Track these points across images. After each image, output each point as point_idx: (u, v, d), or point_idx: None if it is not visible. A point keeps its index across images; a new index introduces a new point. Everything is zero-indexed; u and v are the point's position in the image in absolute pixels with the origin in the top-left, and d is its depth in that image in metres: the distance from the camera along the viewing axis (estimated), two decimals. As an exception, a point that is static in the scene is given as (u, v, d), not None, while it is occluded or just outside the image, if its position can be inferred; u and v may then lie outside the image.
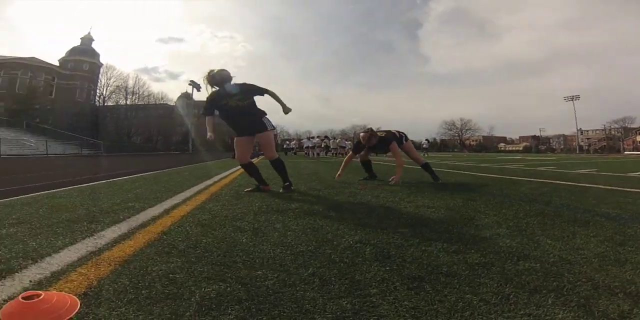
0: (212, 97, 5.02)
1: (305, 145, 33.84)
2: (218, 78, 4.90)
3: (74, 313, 1.24)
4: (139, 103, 71.34)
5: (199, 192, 5.06)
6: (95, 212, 3.33)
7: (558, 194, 4.92)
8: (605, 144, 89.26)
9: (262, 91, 5.04)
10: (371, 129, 6.29)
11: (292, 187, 5.14)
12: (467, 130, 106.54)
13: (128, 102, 69.68)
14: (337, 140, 35.12)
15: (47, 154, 31.66)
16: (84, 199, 4.32)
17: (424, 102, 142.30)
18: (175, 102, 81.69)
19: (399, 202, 3.97)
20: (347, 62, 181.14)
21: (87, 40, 72.04)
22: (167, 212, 3.38)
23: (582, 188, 5.82)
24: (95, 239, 2.36)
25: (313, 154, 30.00)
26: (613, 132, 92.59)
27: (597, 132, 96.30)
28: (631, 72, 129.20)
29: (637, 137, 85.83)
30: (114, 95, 69.42)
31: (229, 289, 1.50)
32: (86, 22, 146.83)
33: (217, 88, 4.97)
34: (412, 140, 7.49)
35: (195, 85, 56.36)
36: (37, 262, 1.88)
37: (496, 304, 1.33)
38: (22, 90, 57.34)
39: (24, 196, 4.57)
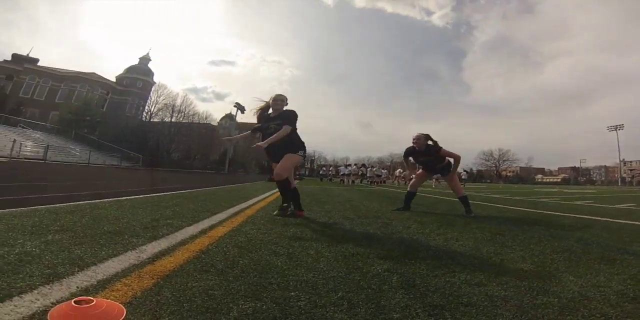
0: (260, 121, 5.45)
1: (341, 173, 34.09)
2: (277, 102, 5.28)
3: (123, 317, 1.38)
4: (183, 121, 73.25)
5: (235, 214, 5.23)
6: (135, 226, 3.53)
7: (590, 230, 4.86)
8: None
9: (288, 123, 5.09)
10: (426, 136, 6.50)
11: (289, 210, 5.24)
12: (504, 160, 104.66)
13: (173, 120, 71.53)
14: (374, 169, 35.27)
15: (88, 163, 32.92)
16: (124, 212, 4.56)
17: (464, 131, 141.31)
18: (218, 123, 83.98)
19: (428, 234, 4.04)
20: (389, 89, 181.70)
21: (145, 60, 76.09)
22: (204, 232, 3.54)
23: (618, 224, 5.72)
24: (137, 252, 2.52)
25: (349, 181, 30.16)
26: None
27: None
28: None
29: None
30: (160, 113, 71.62)
31: (264, 307, 1.63)
32: (146, 43, 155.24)
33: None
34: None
35: (240, 107, 57.76)
36: (82, 269, 2.05)
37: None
38: (78, 101, 60.50)
39: (68, 204, 4.88)
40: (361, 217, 5.64)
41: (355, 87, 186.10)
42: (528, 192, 20.99)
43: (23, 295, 1.58)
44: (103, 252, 2.43)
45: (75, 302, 1.42)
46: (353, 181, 30.77)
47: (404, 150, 6.93)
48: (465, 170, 45.21)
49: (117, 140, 53.26)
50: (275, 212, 5.21)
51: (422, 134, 6.48)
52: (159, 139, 67.03)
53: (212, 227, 3.83)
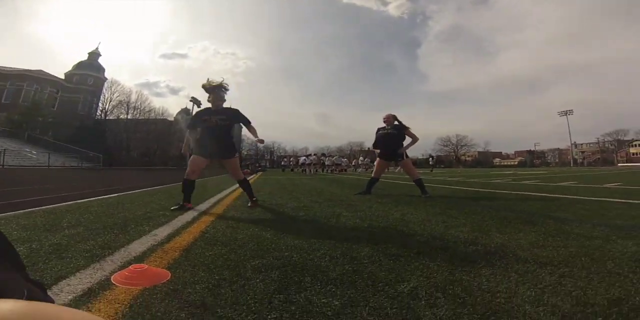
0: (198, 113, 5.53)
1: (302, 162, 34.63)
2: (215, 90, 5.30)
3: (170, 277, 1.96)
4: (140, 118, 71.99)
5: (215, 203, 5.84)
6: (135, 218, 4.04)
7: (526, 203, 5.79)
8: (599, 156, 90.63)
9: (247, 121, 5.41)
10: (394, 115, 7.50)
11: (258, 202, 5.61)
12: (462, 146, 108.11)
13: (129, 117, 70.20)
14: (334, 158, 36.22)
15: (48, 166, 32.19)
16: (116, 208, 5.01)
17: (421, 119, 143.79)
18: (174, 118, 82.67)
19: (387, 211, 4.76)
20: (346, 81, 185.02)
21: (94, 55, 73.75)
22: (197, 218, 4.12)
23: (551, 198, 6.61)
24: (151, 236, 3.07)
25: (310, 170, 30.72)
26: (607, 145, 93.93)
27: (591, 145, 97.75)
28: (623, 85, 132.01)
29: (630, 149, 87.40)
30: (115, 110, 70.33)
31: (270, 261, 2.27)
32: (94, 37, 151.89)
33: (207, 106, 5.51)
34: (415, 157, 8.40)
35: (196, 101, 56.96)
36: (116, 251, 2.58)
37: (441, 265, 2.09)
38: (26, 101, 58.36)
39: (59, 205, 5.30)
40: (327, 200, 6.32)
41: (311, 80, 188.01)
42: (484, 174, 22.20)
43: (81, 271, 2.07)
44: (123, 238, 2.96)
45: (134, 268, 1.99)
46: (315, 170, 31.45)
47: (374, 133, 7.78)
48: (431, 156, 47.44)
49: (73, 141, 51.95)
50: (249, 204, 5.50)
51: (391, 113, 7.47)
52: (115, 137, 65.79)
53: (201, 215, 4.41)
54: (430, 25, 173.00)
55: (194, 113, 5.44)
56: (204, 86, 5.28)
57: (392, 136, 7.39)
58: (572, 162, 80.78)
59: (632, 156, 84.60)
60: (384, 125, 7.54)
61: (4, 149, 31.24)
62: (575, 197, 6.69)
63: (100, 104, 71.31)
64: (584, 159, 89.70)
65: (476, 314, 1.45)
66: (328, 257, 2.36)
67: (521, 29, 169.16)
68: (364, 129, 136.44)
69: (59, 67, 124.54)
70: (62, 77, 68.90)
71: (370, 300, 1.60)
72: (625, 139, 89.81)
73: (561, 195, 6.99)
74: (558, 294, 1.64)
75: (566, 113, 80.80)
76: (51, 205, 5.16)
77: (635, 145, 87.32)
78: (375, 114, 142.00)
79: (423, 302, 1.57)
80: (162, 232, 3.24)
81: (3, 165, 27.21)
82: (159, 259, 2.34)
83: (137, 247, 2.70)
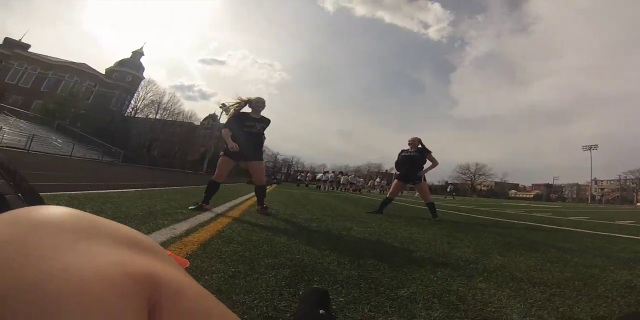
0: (241, 117, 5.74)
1: (318, 178, 35.35)
2: (259, 104, 5.79)
3: (188, 265, 2.12)
4: (167, 119, 73.13)
5: (231, 208, 6.04)
6: (155, 213, 4.24)
7: (533, 232, 5.89)
8: (618, 194, 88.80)
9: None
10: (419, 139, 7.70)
11: (268, 210, 5.76)
12: (480, 175, 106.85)
13: (157, 117, 71.25)
14: (350, 177, 36.16)
15: (70, 155, 32.77)
16: (135, 202, 5.22)
17: (444, 144, 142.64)
18: (200, 123, 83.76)
19: (396, 229, 4.90)
20: (375, 98, 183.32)
21: (138, 54, 75.49)
22: (214, 219, 4.32)
23: (559, 230, 6.70)
24: (170, 229, 3.26)
25: (325, 187, 31.03)
26: (628, 183, 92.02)
27: (612, 182, 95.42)
28: None
29: None
30: (146, 109, 71.11)
31: (282, 261, 2.45)
32: (142, 36, 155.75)
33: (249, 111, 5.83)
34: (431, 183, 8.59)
35: (225, 109, 57.47)
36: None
37: (441, 277, 2.24)
38: (64, 92, 59.58)
39: (81, 192, 5.55)
40: (339, 215, 6.48)
41: (341, 95, 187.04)
42: (497, 205, 22.10)
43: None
44: (143, 228, 3.15)
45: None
46: (331, 188, 31.70)
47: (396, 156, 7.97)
48: (450, 183, 47.60)
49: (99, 134, 52.67)
50: (258, 208, 5.82)
51: (416, 137, 7.66)
52: (140, 135, 66.79)
53: (218, 216, 4.61)
54: (467, 51, 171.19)
55: (235, 115, 5.66)
56: (258, 101, 5.78)
57: (415, 159, 7.58)
58: (590, 199, 79.30)
59: None
60: (407, 148, 7.74)
61: (33, 135, 31.86)
62: (583, 230, 6.75)
63: (132, 102, 72.40)
64: (602, 196, 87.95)
65: (467, 319, 1.60)
66: (336, 262, 2.52)
67: (555, 58, 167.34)
68: (384, 151, 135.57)
69: (103, 61, 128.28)
70: (103, 71, 70.53)
71: (371, 300, 1.77)
72: None
73: (570, 228, 7.04)
74: (545, 309, 1.79)
75: (590, 148, 79.59)
76: (74, 192, 5.41)
77: None
78: (399, 137, 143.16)
79: (420, 305, 1.74)
80: (181, 227, 3.43)
81: (28, 150, 27.84)
82: (177, 250, 2.52)
83: (157, 237, 2.89)
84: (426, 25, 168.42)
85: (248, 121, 5.67)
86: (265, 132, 5.90)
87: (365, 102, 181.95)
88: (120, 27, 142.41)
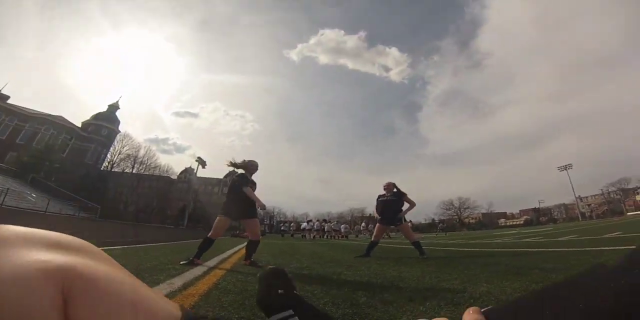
0: (247, 178, 6.26)
1: (302, 227, 36.21)
2: (253, 167, 6.44)
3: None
4: (144, 173, 73.23)
5: (221, 262, 6.20)
6: (148, 269, 4.39)
7: (521, 258, 6.23)
8: (606, 208, 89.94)
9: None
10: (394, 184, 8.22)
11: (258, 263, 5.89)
12: (465, 208, 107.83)
13: (134, 171, 71.22)
14: (332, 224, 36.98)
15: (45, 211, 32.03)
16: (124, 259, 5.33)
17: (423, 183, 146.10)
18: (177, 176, 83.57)
19: (385, 270, 5.13)
20: (349, 144, 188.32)
21: (113, 108, 77.27)
22: (207, 272, 4.48)
23: (546, 252, 7.09)
24: (167, 284, 3.42)
25: (310, 236, 31.65)
26: (612, 195, 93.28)
27: (596, 197, 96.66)
28: (617, 134, 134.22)
29: (636, 197, 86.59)
30: (122, 163, 71.34)
31: None
32: (118, 89, 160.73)
33: (243, 172, 6.36)
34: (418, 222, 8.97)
35: (201, 162, 57.56)
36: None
37: (429, 307, 2.48)
38: (39, 144, 59.69)
39: None
40: (328, 262, 6.66)
41: (315, 144, 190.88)
42: (487, 236, 22.48)
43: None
44: (142, 285, 3.30)
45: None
46: (314, 236, 32.06)
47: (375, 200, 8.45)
48: (440, 221, 48.51)
49: (75, 189, 52.33)
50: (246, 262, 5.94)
51: (391, 182, 8.19)
52: (117, 190, 66.14)
53: (210, 270, 4.77)
54: (429, 90, 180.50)
55: (245, 175, 6.31)
56: (255, 166, 6.49)
57: (392, 202, 8.04)
58: (579, 217, 79.91)
59: (639, 204, 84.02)
60: (384, 192, 8.23)
61: (7, 189, 31.36)
62: (570, 249, 7.08)
63: (109, 155, 72.67)
64: (591, 211, 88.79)
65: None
66: (331, 303, 2.72)
67: (512, 88, 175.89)
68: (364, 195, 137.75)
69: (79, 114, 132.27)
70: (79, 125, 71.27)
71: (366, 332, 1.98)
72: (629, 187, 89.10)
73: (557, 249, 7.36)
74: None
75: (565, 167, 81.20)
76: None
77: None
78: (376, 180, 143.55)
79: (410, 333, 1.95)
80: (178, 281, 3.59)
81: (1, 205, 27.27)
82: (179, 301, 2.69)
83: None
84: (387, 69, 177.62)
85: (250, 182, 6.21)
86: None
87: (339, 149, 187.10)
88: (97, 80, 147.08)
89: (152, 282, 3.44)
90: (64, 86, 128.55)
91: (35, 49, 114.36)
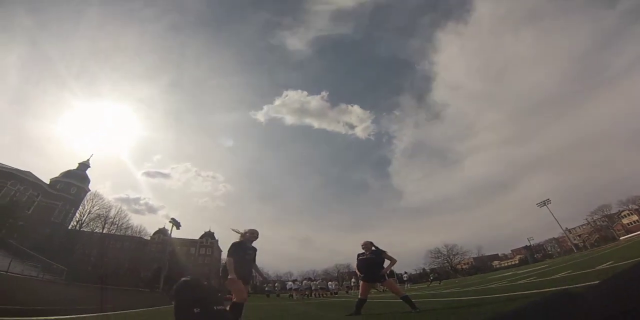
0: (241, 246, 6.49)
1: (289, 287, 35.99)
2: (255, 236, 6.78)
3: None
4: (116, 233, 71.79)
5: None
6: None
7: (514, 302, 6.26)
8: (597, 235, 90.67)
9: (254, 260, 6.75)
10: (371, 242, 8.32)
11: None
12: (455, 255, 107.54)
13: (104, 231, 69.45)
14: (318, 282, 36.61)
15: (7, 272, 30.54)
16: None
17: (405, 235, 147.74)
18: (151, 237, 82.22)
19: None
20: (322, 201, 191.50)
21: (84, 166, 76.88)
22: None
23: (539, 293, 7.11)
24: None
25: (297, 295, 31.37)
26: (598, 223, 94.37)
27: (584, 227, 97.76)
28: (581, 164, 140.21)
29: (623, 220, 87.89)
30: (92, 223, 69.07)
31: None
32: (89, 147, 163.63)
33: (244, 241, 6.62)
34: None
35: (175, 223, 56.87)
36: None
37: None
38: (4, 200, 57.19)
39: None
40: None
41: (289, 204, 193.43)
42: (481, 281, 22.25)
43: None
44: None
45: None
46: (306, 295, 31.74)
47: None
48: (406, 272, 48.35)
49: (39, 248, 50.12)
50: None
51: (368, 240, 8.34)
52: (85, 251, 64.24)
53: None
54: (395, 144, 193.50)
55: (237, 244, 6.55)
56: (253, 233, 6.84)
57: (372, 260, 8.10)
58: (574, 248, 79.73)
59: (628, 227, 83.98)
60: (363, 251, 8.30)
61: None
62: (565, 286, 7.09)
63: (77, 215, 70.60)
64: (584, 241, 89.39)
65: None
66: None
67: (473, 136, 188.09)
68: (347, 251, 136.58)
69: (48, 171, 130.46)
70: (48, 181, 69.88)
71: None
72: (612, 212, 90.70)
73: (550, 288, 7.38)
74: None
75: (544, 203, 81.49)
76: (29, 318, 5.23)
77: (625, 216, 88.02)
78: (355, 236, 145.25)
79: None
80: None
81: None
82: None
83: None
84: (352, 126, 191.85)
85: (248, 250, 6.54)
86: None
87: (314, 208, 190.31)
88: (68, 138, 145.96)
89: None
90: (34, 142, 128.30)
91: (9, 101, 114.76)
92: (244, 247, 6.50)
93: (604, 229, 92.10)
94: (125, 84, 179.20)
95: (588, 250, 56.78)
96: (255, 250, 6.76)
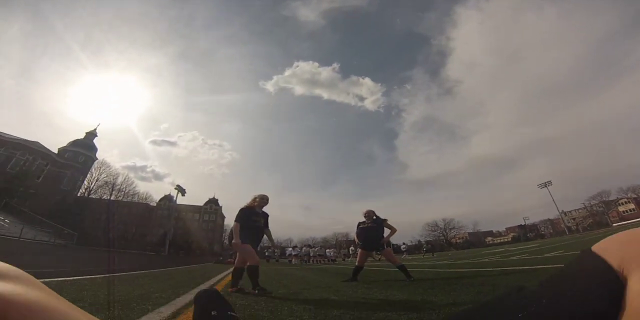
0: (247, 212, 6.47)
1: (288, 253, 37.28)
2: (265, 201, 6.79)
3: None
4: (123, 200, 73.34)
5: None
6: (134, 298, 4.44)
7: (506, 277, 6.51)
8: (591, 220, 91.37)
9: (267, 225, 6.73)
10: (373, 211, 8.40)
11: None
12: (451, 229, 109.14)
13: (112, 198, 70.85)
14: (316, 249, 37.34)
15: (19, 237, 31.32)
16: (109, 288, 5.41)
17: (405, 207, 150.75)
18: (157, 203, 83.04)
19: (372, 294, 5.25)
20: (328, 171, 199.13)
21: (91, 135, 77.46)
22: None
23: (531, 270, 7.39)
24: (156, 313, 3.47)
25: (297, 261, 32.26)
26: (594, 208, 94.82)
27: (580, 211, 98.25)
28: (589, 149, 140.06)
29: (619, 208, 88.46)
30: (100, 190, 71.22)
31: None
32: (96, 116, 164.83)
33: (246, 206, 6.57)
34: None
35: (180, 189, 57.32)
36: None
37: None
38: (13, 169, 58.60)
39: (52, 279, 5.72)
40: (315, 287, 6.78)
41: (294, 172, 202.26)
42: (474, 255, 22.70)
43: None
44: (132, 314, 3.37)
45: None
46: (304, 261, 32.49)
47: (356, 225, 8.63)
48: (404, 243, 48.87)
49: (50, 215, 51.27)
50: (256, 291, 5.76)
51: (370, 209, 8.38)
52: (94, 217, 65.13)
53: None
54: (404, 117, 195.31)
55: (244, 210, 6.51)
56: (263, 198, 6.81)
57: (372, 229, 8.21)
58: (566, 231, 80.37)
59: (623, 215, 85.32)
60: (364, 219, 8.39)
61: None
62: (554, 265, 7.35)
63: (85, 182, 72.06)
64: (577, 225, 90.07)
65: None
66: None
67: (484, 114, 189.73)
68: (347, 220, 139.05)
69: (56, 141, 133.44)
70: (56, 151, 70.67)
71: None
72: (610, 199, 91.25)
73: (542, 266, 7.61)
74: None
75: (545, 184, 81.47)
76: (44, 279, 5.51)
77: (622, 204, 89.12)
78: (357, 205, 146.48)
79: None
80: (167, 309, 3.67)
81: None
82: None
83: (148, 320, 3.13)
84: (362, 98, 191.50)
85: (254, 215, 6.50)
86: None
87: (318, 177, 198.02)
88: (75, 107, 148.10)
89: (141, 311, 3.51)
90: (42, 113, 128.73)
91: (15, 75, 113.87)
92: (251, 212, 6.48)
93: (599, 214, 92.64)
94: (132, 52, 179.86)
95: (580, 234, 57.39)
96: (266, 215, 6.76)
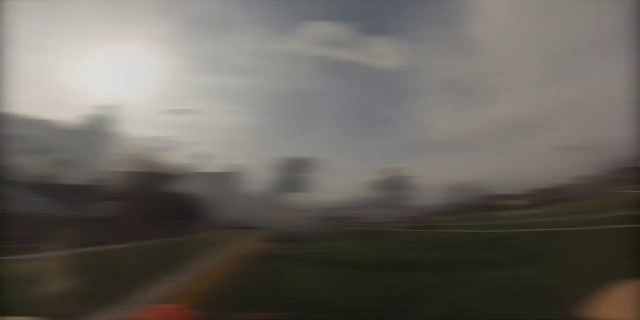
0: None
1: None
2: None
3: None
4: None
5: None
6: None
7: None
8: (610, 187, 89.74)
9: None
10: None
11: None
12: (469, 192, 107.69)
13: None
14: None
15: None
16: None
17: (424, 170, 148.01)
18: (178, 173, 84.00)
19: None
20: (344, 133, 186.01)
21: (106, 108, 74.98)
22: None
23: (553, 233, 7.05)
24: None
25: None
26: (614, 176, 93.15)
27: (598, 178, 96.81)
28: (614, 117, 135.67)
29: None
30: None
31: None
32: (108, 91, 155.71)
33: None
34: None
35: (201, 158, 57.07)
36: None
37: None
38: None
39: None
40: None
41: (310, 136, 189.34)
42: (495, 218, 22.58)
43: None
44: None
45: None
46: None
47: None
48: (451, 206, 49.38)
49: None
50: None
51: None
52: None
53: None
54: (424, 76, 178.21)
55: None
56: None
57: None
58: (584, 197, 78.96)
59: None
60: None
61: None
62: (573, 229, 7.16)
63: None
64: (595, 191, 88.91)
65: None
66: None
67: (509, 74, 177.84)
68: None
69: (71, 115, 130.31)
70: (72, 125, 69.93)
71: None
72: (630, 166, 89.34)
73: (567, 229, 7.42)
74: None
75: (566, 149, 79.91)
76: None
77: None
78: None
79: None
80: (186, 275, 3.53)
81: None
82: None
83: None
84: (379, 57, 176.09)
85: None
86: None
87: (335, 138, 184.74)
88: (87, 81, 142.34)
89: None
90: (56, 88, 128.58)
91: (29, 51, 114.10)
92: None
93: (618, 181, 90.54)
94: (139, 23, 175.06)
95: (596, 200, 56.53)
96: None
